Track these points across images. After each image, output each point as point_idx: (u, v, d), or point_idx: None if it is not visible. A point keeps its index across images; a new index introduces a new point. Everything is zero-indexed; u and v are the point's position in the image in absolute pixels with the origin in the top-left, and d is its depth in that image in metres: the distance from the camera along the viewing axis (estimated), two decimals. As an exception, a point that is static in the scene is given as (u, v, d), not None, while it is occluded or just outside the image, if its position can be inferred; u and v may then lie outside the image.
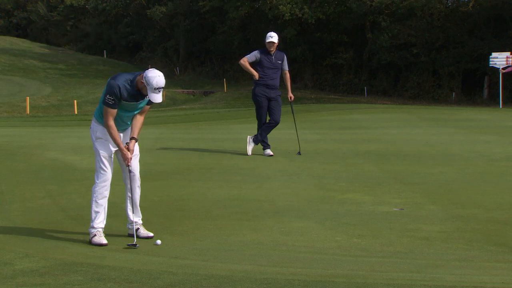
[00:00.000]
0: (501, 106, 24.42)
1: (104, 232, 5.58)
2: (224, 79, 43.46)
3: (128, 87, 5.51)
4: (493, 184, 8.06)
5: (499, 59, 24.96)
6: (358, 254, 5.15)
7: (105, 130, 5.64)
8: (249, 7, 42.57)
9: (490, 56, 25.41)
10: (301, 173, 8.99)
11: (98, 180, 5.66)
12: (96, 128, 5.69)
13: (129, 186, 5.82)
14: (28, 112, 29.34)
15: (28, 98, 30.72)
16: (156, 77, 5.42)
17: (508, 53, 25.02)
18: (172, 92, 40.42)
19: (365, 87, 39.61)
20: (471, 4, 32.32)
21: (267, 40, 10.44)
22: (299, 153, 10.77)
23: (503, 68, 24.26)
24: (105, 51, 57.27)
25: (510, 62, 24.23)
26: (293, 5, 38.93)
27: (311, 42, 42.12)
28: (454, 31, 36.06)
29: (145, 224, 5.88)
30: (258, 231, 5.92)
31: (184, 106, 34.08)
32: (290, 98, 10.98)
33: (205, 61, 50.71)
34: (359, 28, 41.78)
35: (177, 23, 51.75)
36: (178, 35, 52.14)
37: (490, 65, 25.53)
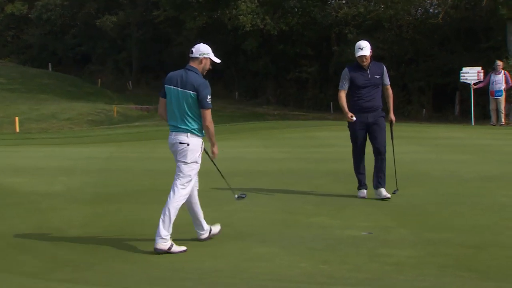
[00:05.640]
0: (473, 124, 24.91)
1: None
2: (181, 94, 43.39)
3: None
4: (466, 206, 8.19)
5: (470, 74, 25.46)
6: (324, 281, 5.18)
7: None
8: (207, 17, 42.71)
9: (461, 71, 25.94)
10: (264, 195, 9.01)
11: (186, 190, 6.29)
12: (199, 142, 6.29)
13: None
14: (-35, 130, 28.73)
15: (-36, 114, 30.10)
16: (202, 44, 6.37)
17: (479, 68, 25.52)
18: (123, 108, 40.13)
19: (331, 103, 40.01)
20: (440, 16, 33.03)
21: (357, 54, 8.61)
22: (395, 191, 8.77)
23: (474, 84, 24.75)
24: (50, 63, 56.59)
25: (482, 77, 24.73)
26: (254, 16, 39.21)
27: (274, 55, 42.44)
28: (424, 43, 36.77)
29: (94, 251, 5.80)
30: (217, 257, 5.90)
31: (137, 123, 33.83)
32: (391, 120, 8.92)
33: (160, 74, 50.54)
34: (324, 40, 42.29)
35: (129, 33, 51.56)
36: (131, 46, 51.94)
37: (461, 80, 26.05)
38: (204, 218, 6.54)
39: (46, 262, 5.87)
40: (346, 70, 8.84)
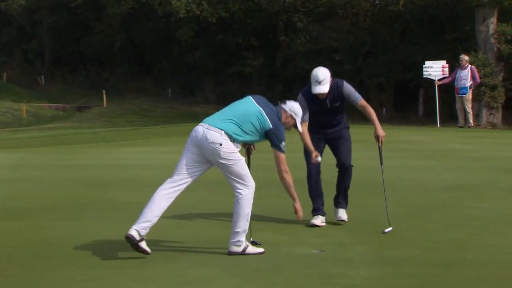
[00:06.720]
0: (438, 125, 25.32)
1: None
2: (104, 91, 42.89)
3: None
4: (430, 219, 8.36)
5: (434, 69, 25.80)
6: (270, 307, 5.20)
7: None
8: (134, 1, 42.42)
9: (424, 65, 26.29)
10: (201, 208, 9.01)
11: (249, 189, 6.96)
12: (232, 145, 6.74)
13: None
14: None
15: None
16: (298, 105, 7.29)
17: (444, 62, 25.89)
18: (35, 107, 39.45)
19: (279, 101, 40.21)
20: (401, 2, 33.60)
21: (314, 90, 8.10)
22: (386, 231, 7.69)
23: (438, 80, 25.12)
24: None
25: (447, 73, 25.11)
26: (189, 0, 39.13)
27: (212, 46, 42.43)
28: (383, 34, 37.30)
29: None
30: (146, 281, 5.87)
31: (51, 125, 33.32)
32: (377, 138, 8.23)
33: (78, 67, 49.92)
34: (270, 29, 42.51)
35: (40, 19, 50.74)
36: (42, 34, 51.12)
37: (424, 76, 26.42)
38: (121, 236, 6.49)
39: None
40: (301, 98, 8.23)
